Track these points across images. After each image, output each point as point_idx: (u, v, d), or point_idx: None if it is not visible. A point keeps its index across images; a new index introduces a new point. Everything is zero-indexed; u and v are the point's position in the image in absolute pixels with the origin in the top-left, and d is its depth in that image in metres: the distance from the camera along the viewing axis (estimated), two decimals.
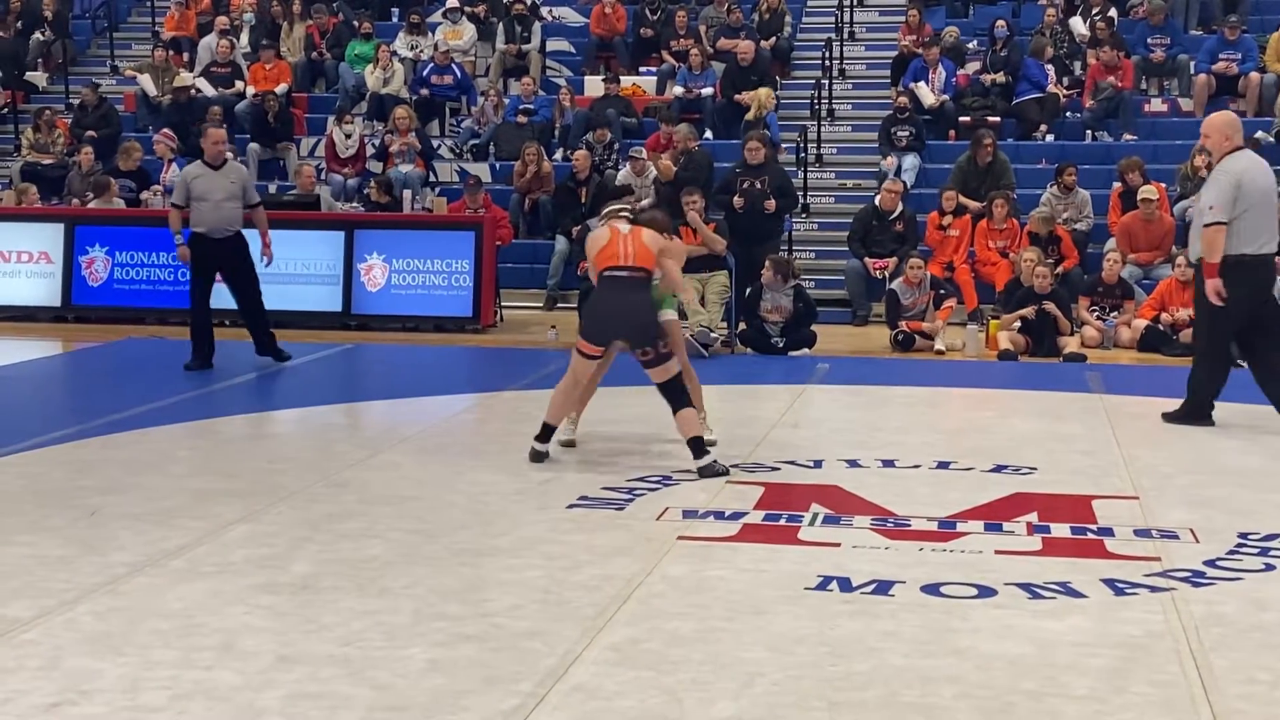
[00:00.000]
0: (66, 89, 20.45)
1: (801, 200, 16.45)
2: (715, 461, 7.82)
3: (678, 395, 7.94)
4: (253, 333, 12.10)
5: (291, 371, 11.88)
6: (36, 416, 9.85)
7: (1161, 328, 13.47)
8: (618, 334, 8.05)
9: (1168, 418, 9.55)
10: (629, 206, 8.59)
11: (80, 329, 14.72)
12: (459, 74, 19.13)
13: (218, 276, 11.92)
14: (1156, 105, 18.44)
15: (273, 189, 17.57)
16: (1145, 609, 5.52)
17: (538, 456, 8.05)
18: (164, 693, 4.54)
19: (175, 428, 9.18)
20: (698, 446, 7.85)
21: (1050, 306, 13.07)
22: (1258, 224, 9.17)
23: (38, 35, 21.34)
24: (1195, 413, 9.47)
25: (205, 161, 11.80)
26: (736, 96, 17.93)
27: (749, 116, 17.48)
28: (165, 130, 18.16)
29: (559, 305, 15.68)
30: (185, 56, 20.46)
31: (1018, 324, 13.19)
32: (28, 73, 21.05)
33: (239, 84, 19.45)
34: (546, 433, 8.10)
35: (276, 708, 4.44)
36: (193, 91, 19.23)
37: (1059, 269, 14.12)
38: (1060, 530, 6.76)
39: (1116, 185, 15.74)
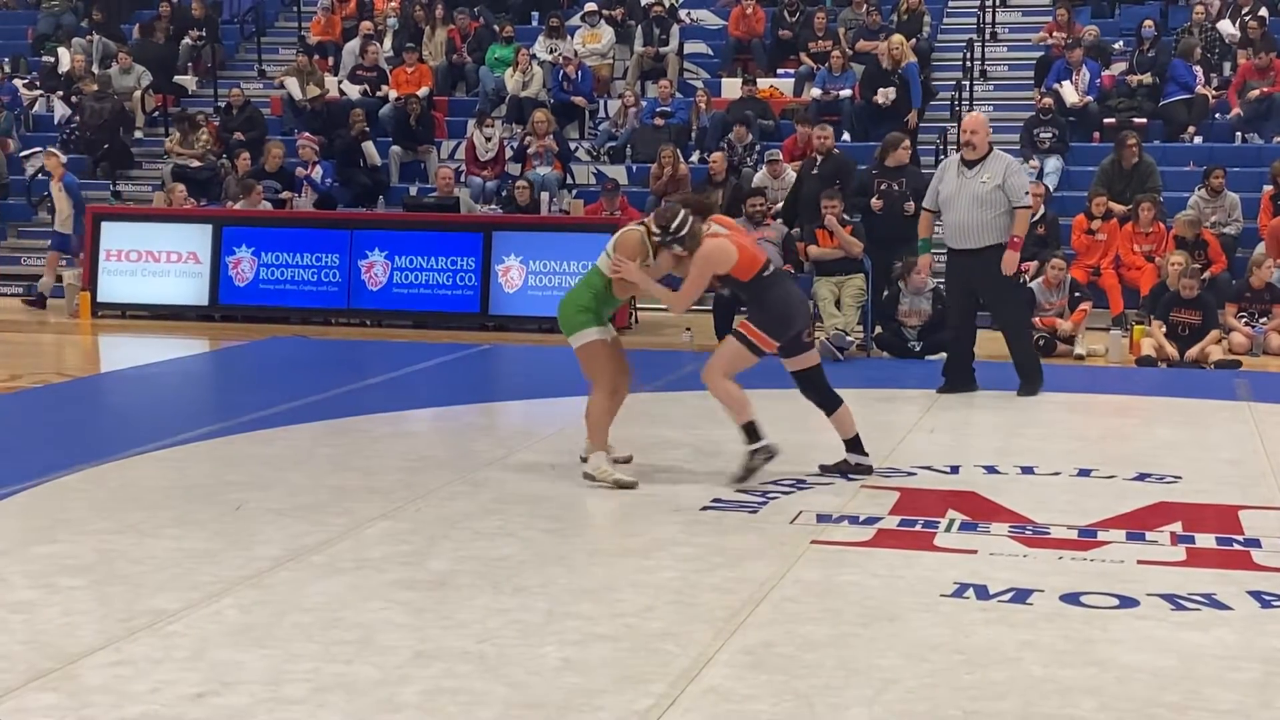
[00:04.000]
0: (215, 93, 20.93)
1: None
2: (863, 462, 7.85)
3: (829, 395, 7.89)
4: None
5: (430, 372, 12.04)
6: (183, 413, 10.10)
7: None
8: (801, 326, 7.75)
9: None
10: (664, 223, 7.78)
11: (226, 328, 15.05)
12: (580, 78, 19.18)
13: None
14: None
15: (414, 191, 17.84)
16: None
17: (767, 452, 7.56)
18: (304, 685, 4.63)
19: (316, 425, 9.34)
20: (854, 444, 7.90)
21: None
22: None
23: (187, 40, 21.86)
24: None
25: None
26: (873, 98, 17.81)
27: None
28: (306, 134, 18.51)
29: (695, 308, 15.66)
30: (330, 61, 20.83)
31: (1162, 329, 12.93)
32: (177, 77, 21.57)
33: (383, 87, 19.75)
34: (753, 431, 7.59)
35: (414, 702, 4.50)
36: (336, 95, 19.58)
37: (1205, 274, 13.81)
38: (1205, 540, 6.60)
39: (1268, 188, 15.37)
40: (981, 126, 10.59)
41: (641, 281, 7.68)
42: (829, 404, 7.94)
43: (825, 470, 7.89)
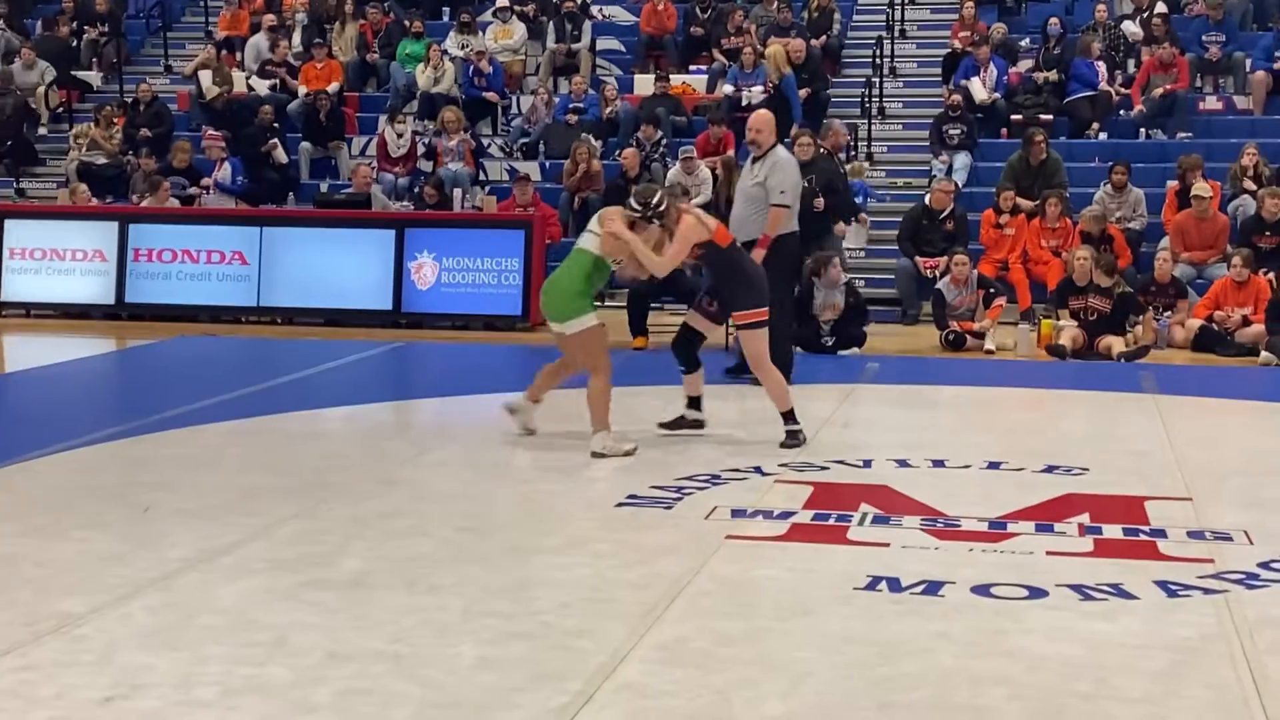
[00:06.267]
0: (121, 88, 20.62)
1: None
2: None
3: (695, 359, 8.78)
4: None
5: (342, 370, 11.95)
6: (90, 413, 9.95)
7: (1216, 328, 13.34)
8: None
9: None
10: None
11: (133, 327, 14.84)
12: (492, 73, 19.12)
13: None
14: (1211, 103, 18.27)
15: (324, 188, 17.70)
16: (1198, 611, 5.47)
17: (796, 436, 8.47)
18: (216, 688, 4.57)
19: (226, 425, 9.24)
20: (698, 403, 8.73)
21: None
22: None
23: (89, 34, 21.53)
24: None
25: None
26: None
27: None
28: (212, 132, 18.31)
29: (607, 304, 15.67)
30: (238, 56, 20.61)
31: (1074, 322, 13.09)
32: (82, 72, 21.25)
33: (292, 82, 19.57)
34: (792, 417, 8.49)
35: (328, 704, 4.46)
36: (244, 90, 19.38)
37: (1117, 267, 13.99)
38: (1112, 531, 6.70)
39: (1173, 184, 15.62)
40: (766, 124, 10.54)
41: (632, 240, 8.14)
42: (691, 365, 8.74)
43: (663, 426, 8.74)
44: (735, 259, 8.58)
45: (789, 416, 8.49)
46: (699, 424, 8.79)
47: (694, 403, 8.82)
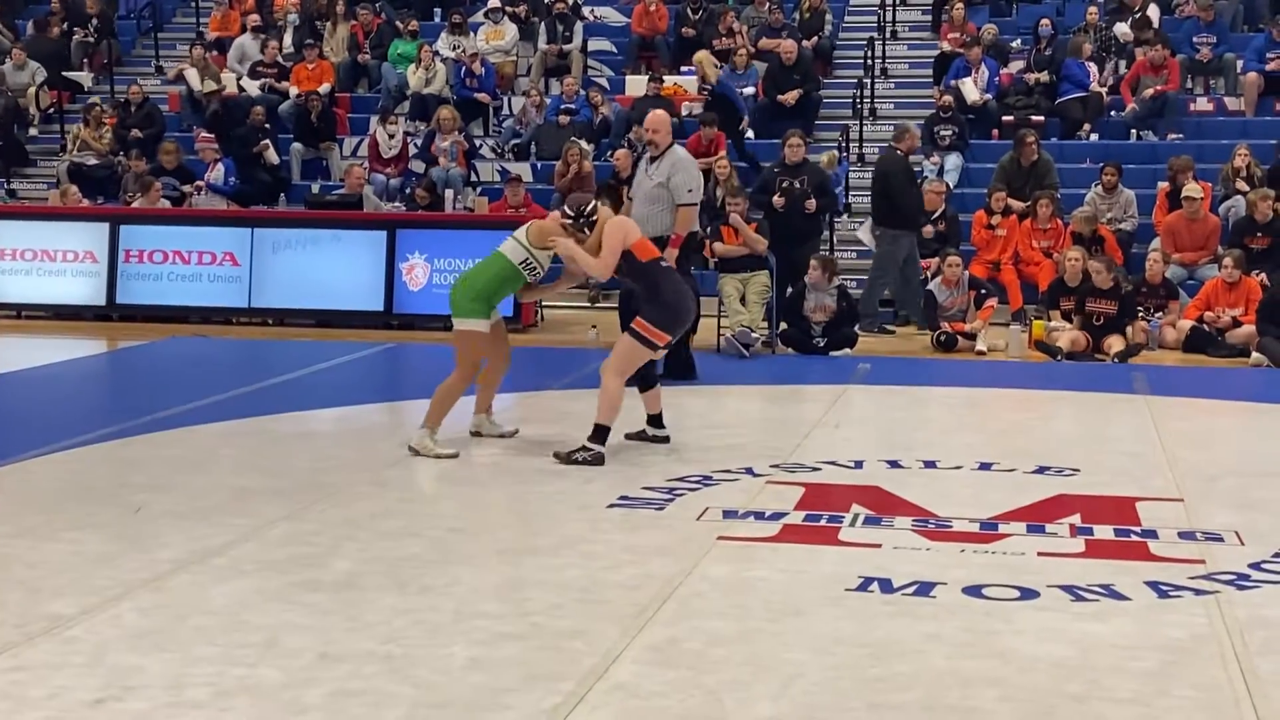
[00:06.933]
0: (112, 89, 20.59)
1: (844, 200, 16.40)
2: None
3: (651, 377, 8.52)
4: None
5: (333, 371, 11.94)
6: (82, 414, 9.92)
7: (1207, 328, 13.36)
8: (689, 323, 8.51)
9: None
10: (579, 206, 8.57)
11: (125, 328, 14.81)
12: (483, 74, 19.11)
13: None
14: (1202, 104, 18.31)
15: (315, 188, 17.68)
16: (1189, 612, 5.48)
17: (595, 460, 7.93)
18: (207, 689, 4.57)
19: (218, 426, 9.23)
20: (660, 421, 8.52)
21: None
22: None
23: (79, 35, 21.50)
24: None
25: None
26: (779, 96, 17.94)
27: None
28: (205, 134, 18.28)
29: (600, 304, 15.68)
30: (229, 57, 20.58)
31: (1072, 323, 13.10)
32: (73, 72, 21.21)
33: (283, 84, 19.55)
34: (601, 435, 8.00)
35: (320, 705, 4.46)
36: (235, 90, 19.36)
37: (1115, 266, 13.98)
38: (1103, 532, 6.71)
39: (1163, 185, 15.64)
40: (663, 124, 10.55)
41: (572, 250, 8.24)
42: (647, 383, 8.59)
43: (629, 437, 8.55)
44: (656, 281, 8.23)
45: (600, 432, 7.99)
46: (663, 439, 8.57)
47: (655, 420, 8.65)
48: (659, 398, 8.64)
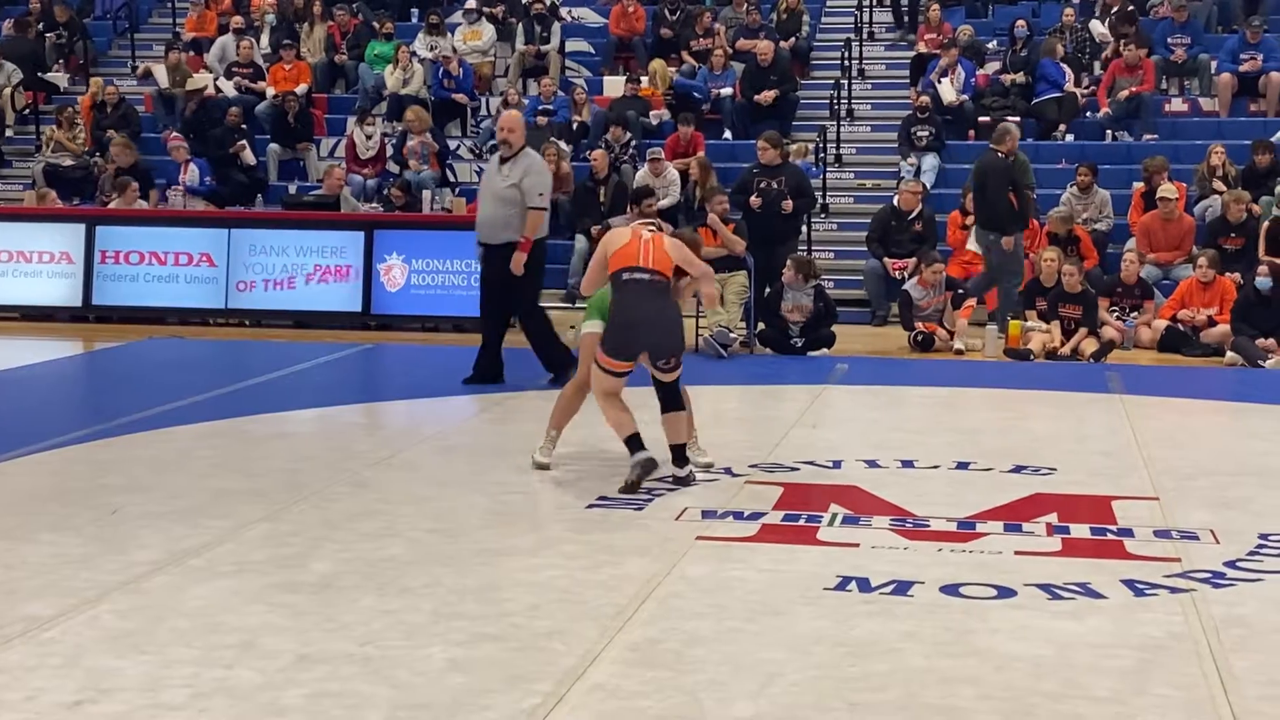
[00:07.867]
0: (88, 90, 20.48)
1: (820, 200, 16.43)
2: (693, 474, 7.60)
3: (675, 397, 7.61)
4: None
5: (311, 372, 11.92)
6: (58, 416, 9.89)
7: (1182, 328, 13.42)
8: (645, 346, 7.49)
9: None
10: (657, 223, 8.48)
11: (101, 329, 14.77)
12: (461, 74, 19.10)
13: None
14: (1177, 105, 18.39)
15: (292, 189, 17.63)
16: (1165, 610, 5.51)
17: (648, 464, 7.45)
18: (185, 691, 4.56)
19: (196, 427, 9.20)
20: (680, 454, 7.56)
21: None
22: None
23: (52, 36, 21.41)
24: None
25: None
26: (756, 97, 17.96)
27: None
28: (175, 135, 18.22)
29: (579, 304, 15.68)
30: (205, 57, 20.53)
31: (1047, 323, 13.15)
32: (48, 74, 21.12)
33: (259, 84, 19.50)
34: (630, 446, 7.49)
35: (298, 706, 4.45)
36: (211, 91, 19.30)
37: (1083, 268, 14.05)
38: (1080, 531, 6.74)
39: (1139, 185, 15.71)
40: (516, 125, 10.53)
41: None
42: (663, 406, 7.67)
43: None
44: (615, 297, 7.62)
45: (627, 445, 7.50)
46: (683, 480, 7.91)
47: (675, 454, 7.89)
48: (679, 424, 7.63)
